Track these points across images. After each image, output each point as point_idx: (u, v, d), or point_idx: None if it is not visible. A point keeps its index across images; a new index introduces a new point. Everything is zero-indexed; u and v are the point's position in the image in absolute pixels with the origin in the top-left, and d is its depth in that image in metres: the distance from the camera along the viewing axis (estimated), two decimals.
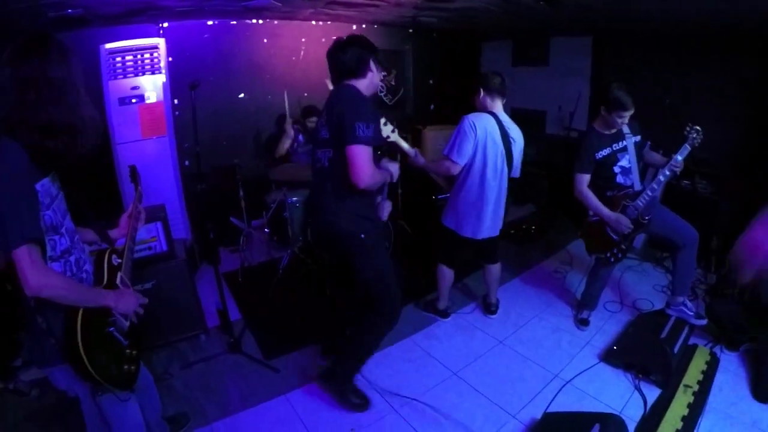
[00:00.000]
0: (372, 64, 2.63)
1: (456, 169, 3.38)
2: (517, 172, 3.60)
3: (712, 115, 4.58)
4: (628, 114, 3.19)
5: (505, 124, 3.44)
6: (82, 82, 1.69)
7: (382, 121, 3.12)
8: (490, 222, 3.54)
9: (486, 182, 3.40)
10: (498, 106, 3.47)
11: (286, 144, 5.16)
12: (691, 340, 3.40)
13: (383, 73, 2.64)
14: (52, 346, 1.66)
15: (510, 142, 3.45)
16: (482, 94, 3.44)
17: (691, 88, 5.02)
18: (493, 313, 4.04)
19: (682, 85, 5.09)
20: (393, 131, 3.22)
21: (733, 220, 4.38)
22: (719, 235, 4.36)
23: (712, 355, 3.28)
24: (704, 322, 3.48)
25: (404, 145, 3.34)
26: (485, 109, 3.44)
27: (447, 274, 3.84)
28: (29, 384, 3.17)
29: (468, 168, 3.40)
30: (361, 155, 2.40)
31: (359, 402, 2.98)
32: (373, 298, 2.80)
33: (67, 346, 1.64)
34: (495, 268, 3.92)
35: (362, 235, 2.66)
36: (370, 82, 2.66)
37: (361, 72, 2.60)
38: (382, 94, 6.90)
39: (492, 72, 3.54)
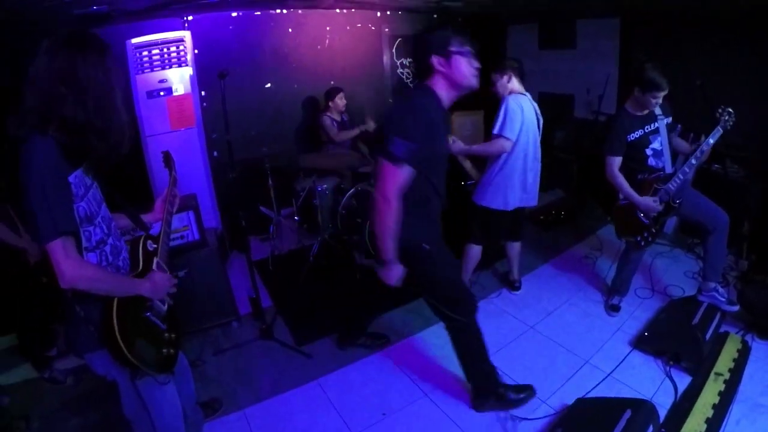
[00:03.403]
0: (435, 61, 2.28)
1: (509, 146, 3.48)
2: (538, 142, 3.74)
3: (744, 97, 4.44)
4: (662, 94, 3.13)
5: (532, 102, 3.62)
6: (119, 85, 1.69)
7: None
8: (530, 191, 3.72)
9: (528, 155, 3.58)
10: (522, 86, 3.62)
11: (334, 129, 5.29)
12: (723, 328, 3.34)
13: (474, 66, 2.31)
14: (91, 332, 1.69)
15: (539, 120, 3.65)
16: (512, 76, 3.55)
17: (722, 68, 4.86)
18: (517, 289, 4.15)
19: (713, 66, 4.93)
20: None
21: (765, 204, 4.28)
22: (751, 220, 4.25)
23: (744, 343, 3.21)
24: (736, 308, 3.42)
25: None
26: (514, 91, 3.56)
27: (476, 252, 3.90)
28: (64, 372, 3.28)
29: (514, 144, 3.50)
30: (387, 174, 2.22)
31: (521, 396, 2.88)
32: (444, 311, 2.67)
33: (104, 332, 1.67)
34: (517, 245, 4.05)
35: (425, 246, 2.50)
36: (445, 81, 2.34)
37: (424, 74, 2.36)
38: (408, 80, 6.88)
39: (511, 58, 3.67)
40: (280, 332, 3.65)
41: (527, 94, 3.61)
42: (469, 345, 2.77)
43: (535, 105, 3.64)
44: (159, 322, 1.94)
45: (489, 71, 3.48)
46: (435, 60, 2.27)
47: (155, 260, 1.98)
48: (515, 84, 3.56)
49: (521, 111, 3.44)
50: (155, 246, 2.04)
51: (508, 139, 3.43)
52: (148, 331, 1.86)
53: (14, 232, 3.00)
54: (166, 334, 1.97)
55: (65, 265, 1.50)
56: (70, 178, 1.59)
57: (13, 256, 3.02)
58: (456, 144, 3.55)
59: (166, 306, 2.00)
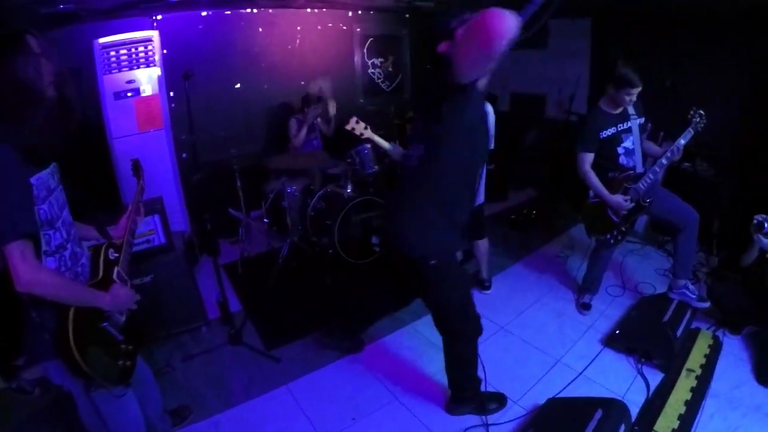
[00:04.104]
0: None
1: None
2: (492, 144, 3.58)
3: (714, 96, 4.53)
4: (636, 91, 3.16)
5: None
6: (36, 70, 1.57)
7: (354, 119, 3.25)
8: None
9: None
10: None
11: (299, 134, 5.17)
12: (694, 324, 3.39)
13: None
14: (46, 340, 1.66)
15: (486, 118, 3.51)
16: None
17: (692, 68, 4.95)
18: (487, 289, 4.14)
19: (684, 66, 5.02)
20: (366, 128, 3.33)
21: (734, 202, 4.36)
22: (720, 218, 4.33)
23: (715, 338, 3.27)
24: (707, 304, 3.48)
25: (379, 140, 3.38)
26: None
27: None
28: (32, 383, 3.18)
29: None
30: None
31: (497, 406, 2.84)
32: (448, 328, 2.61)
33: (58, 340, 1.63)
34: (483, 244, 4.00)
35: (432, 261, 2.30)
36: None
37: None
38: (379, 80, 6.85)
39: None
40: (249, 336, 3.59)
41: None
42: (463, 357, 2.70)
43: (488, 107, 3.49)
44: (116, 332, 1.89)
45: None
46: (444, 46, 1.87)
47: (116, 269, 1.94)
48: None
49: None
50: (117, 255, 1.99)
51: None
52: (104, 342, 1.82)
53: None
54: (123, 346, 1.93)
55: (22, 269, 1.46)
56: (32, 180, 1.56)
57: None
58: (397, 149, 3.40)
59: (124, 317, 1.94)
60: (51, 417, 2.91)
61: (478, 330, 2.64)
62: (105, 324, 1.81)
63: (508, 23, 1.53)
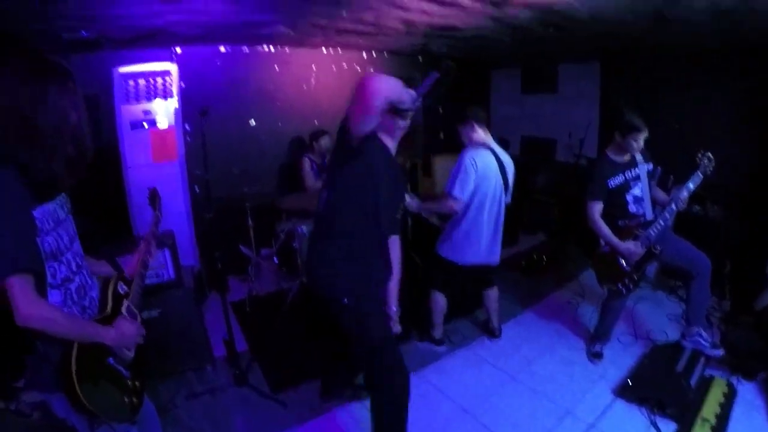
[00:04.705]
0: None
1: (459, 206, 3.45)
2: (509, 197, 3.66)
3: (722, 138, 4.56)
4: (642, 136, 3.18)
5: (498, 153, 3.55)
6: (73, 105, 1.59)
7: None
8: (488, 249, 3.62)
9: (484, 213, 3.50)
10: (488, 135, 3.57)
11: (311, 176, 5.25)
12: (708, 371, 3.34)
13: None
14: (50, 373, 1.62)
15: (505, 170, 3.56)
16: (474, 125, 3.52)
17: (699, 111, 4.99)
18: (497, 337, 4.07)
19: (691, 108, 5.07)
20: None
21: (746, 244, 4.32)
22: (732, 261, 4.30)
23: (730, 386, 3.21)
24: (720, 352, 3.42)
25: None
26: (478, 141, 3.52)
27: (440, 300, 3.84)
28: (31, 405, 3.13)
29: (468, 202, 3.46)
30: None
31: None
32: (376, 381, 2.49)
33: (61, 375, 1.59)
34: (493, 293, 3.96)
35: (345, 300, 2.32)
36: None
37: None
38: None
39: (473, 105, 3.66)
40: (255, 377, 3.53)
41: (491, 143, 3.56)
42: (391, 420, 2.50)
43: (503, 155, 3.59)
44: (123, 369, 1.83)
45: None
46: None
47: (125, 303, 1.90)
48: (479, 133, 3.53)
49: (474, 168, 3.39)
50: (126, 289, 1.96)
51: (456, 198, 3.41)
52: (110, 378, 1.76)
53: None
54: (130, 382, 1.86)
55: (21, 303, 1.44)
56: (36, 213, 1.53)
57: None
58: (413, 201, 3.48)
59: (132, 352, 1.89)
60: None
61: (407, 386, 2.46)
62: (111, 360, 1.77)
63: (383, 84, 1.98)
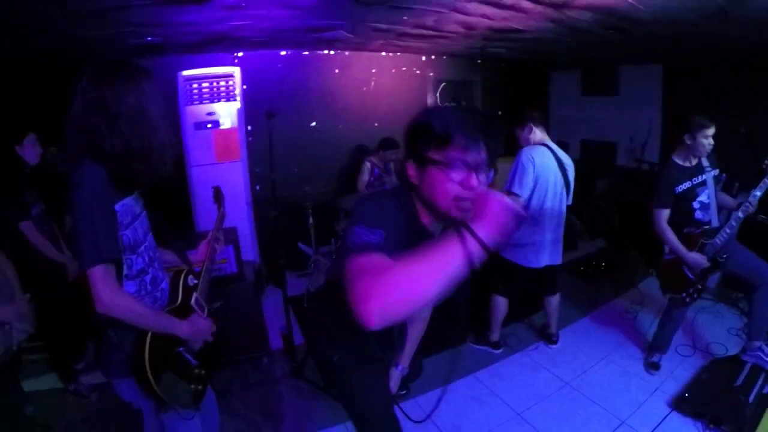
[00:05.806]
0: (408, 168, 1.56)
1: (519, 203, 3.40)
2: (570, 198, 3.64)
3: None
4: (711, 132, 3.08)
5: (557, 152, 3.53)
6: (156, 108, 1.71)
7: None
8: (550, 250, 3.59)
9: (545, 211, 3.47)
10: (546, 136, 3.58)
11: (365, 177, 5.26)
12: (767, 389, 3.17)
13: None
14: (121, 359, 1.69)
15: (566, 170, 3.53)
16: (533, 127, 3.54)
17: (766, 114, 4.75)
18: (554, 343, 4.01)
19: (758, 112, 4.83)
20: None
21: None
22: None
23: None
24: None
25: None
26: (536, 142, 3.54)
27: (501, 304, 3.81)
28: (89, 387, 3.32)
29: (528, 200, 3.43)
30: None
31: None
32: None
33: (134, 362, 1.66)
34: (554, 299, 3.91)
35: (334, 357, 1.97)
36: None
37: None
38: None
39: (530, 107, 3.66)
40: (310, 371, 3.59)
41: (550, 143, 3.56)
42: None
43: (562, 154, 3.57)
44: (191, 357, 1.91)
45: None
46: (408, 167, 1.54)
47: (194, 295, 1.97)
48: (537, 134, 3.54)
49: (532, 165, 3.37)
50: (195, 282, 2.04)
51: (517, 195, 3.39)
52: (178, 366, 1.84)
53: (56, 246, 3.10)
54: (197, 370, 1.95)
55: (103, 292, 1.52)
56: (117, 207, 1.62)
57: (52, 268, 3.10)
58: None
59: (200, 343, 1.98)
60: (104, 423, 3.02)
61: None
62: (181, 349, 1.85)
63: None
